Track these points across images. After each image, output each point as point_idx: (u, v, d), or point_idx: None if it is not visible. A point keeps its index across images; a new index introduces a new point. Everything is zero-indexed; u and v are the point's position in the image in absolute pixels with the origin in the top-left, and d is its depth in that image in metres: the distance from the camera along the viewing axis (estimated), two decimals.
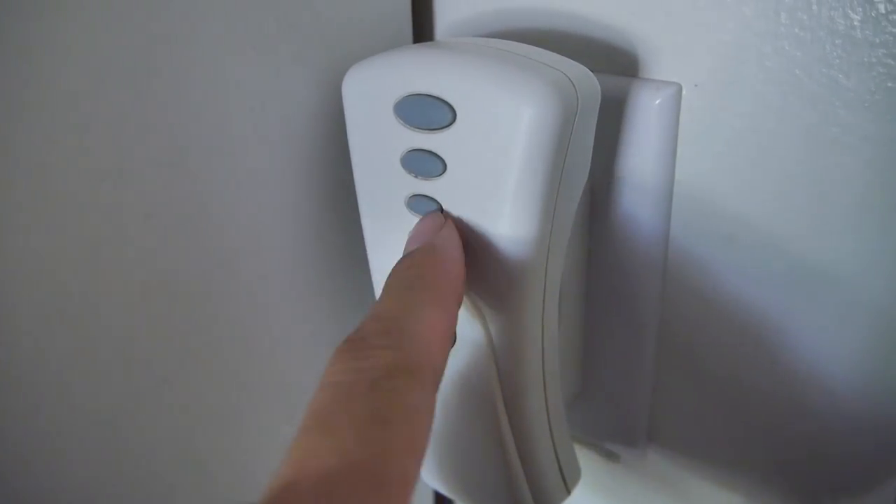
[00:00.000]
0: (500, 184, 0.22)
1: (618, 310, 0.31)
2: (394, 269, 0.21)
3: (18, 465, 0.22)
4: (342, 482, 0.14)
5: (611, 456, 0.36)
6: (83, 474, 0.24)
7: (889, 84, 0.22)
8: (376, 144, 0.25)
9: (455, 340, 0.20)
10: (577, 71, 0.22)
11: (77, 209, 0.22)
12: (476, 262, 0.24)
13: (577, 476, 0.31)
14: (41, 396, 0.22)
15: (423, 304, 0.19)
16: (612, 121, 0.27)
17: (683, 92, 0.26)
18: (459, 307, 0.21)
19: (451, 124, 0.22)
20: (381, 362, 0.17)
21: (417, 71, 0.23)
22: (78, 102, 0.21)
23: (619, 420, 0.33)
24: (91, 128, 0.21)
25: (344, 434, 0.15)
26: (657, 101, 0.26)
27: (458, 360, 0.26)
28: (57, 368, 0.23)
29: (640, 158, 0.27)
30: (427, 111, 0.23)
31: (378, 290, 0.28)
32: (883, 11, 0.22)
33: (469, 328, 0.25)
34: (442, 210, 0.24)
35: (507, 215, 0.22)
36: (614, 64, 0.27)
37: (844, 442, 0.28)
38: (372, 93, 0.24)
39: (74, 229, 0.22)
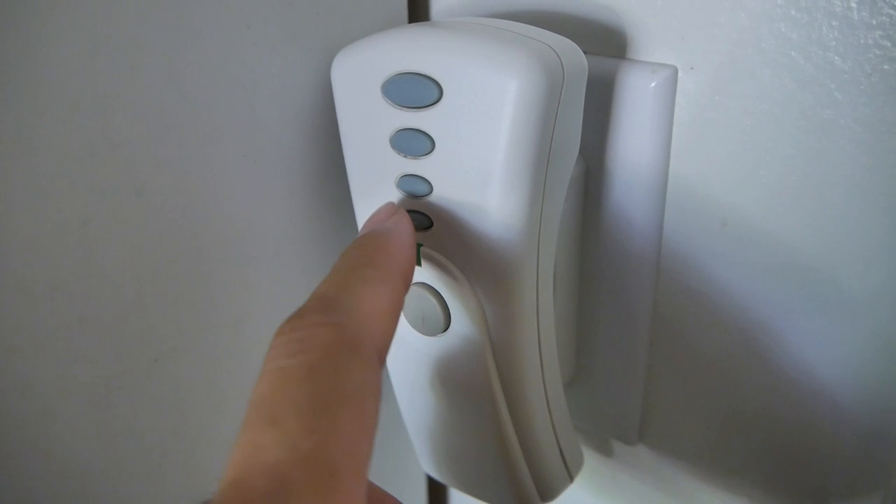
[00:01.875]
0: (489, 158, 0.22)
1: (611, 298, 0.30)
2: (342, 253, 0.21)
3: (8, 439, 0.22)
4: (292, 475, 0.14)
5: (603, 447, 0.36)
6: (74, 450, 0.24)
7: (885, 66, 0.22)
8: (365, 126, 0.25)
9: (399, 318, 0.20)
10: (561, 43, 0.22)
11: (68, 186, 0.22)
12: (467, 239, 0.24)
13: (579, 461, 0.30)
14: (32, 374, 0.22)
15: (365, 281, 0.19)
16: (606, 104, 0.27)
17: (679, 74, 0.26)
18: (407, 288, 0.21)
19: (437, 101, 0.22)
20: (321, 341, 0.17)
21: (403, 50, 0.23)
22: (68, 77, 0.21)
23: (612, 410, 0.33)
24: (82, 103, 0.21)
25: (288, 424, 0.15)
26: (652, 84, 0.26)
27: (452, 345, 0.26)
28: (47, 346, 0.23)
29: (634, 142, 0.27)
30: (414, 89, 0.22)
31: None
32: None
33: (462, 310, 0.25)
34: (432, 191, 0.24)
35: (497, 190, 0.22)
36: (608, 46, 0.27)
37: (839, 440, 0.27)
38: (359, 75, 0.24)
39: (65, 206, 0.22)
